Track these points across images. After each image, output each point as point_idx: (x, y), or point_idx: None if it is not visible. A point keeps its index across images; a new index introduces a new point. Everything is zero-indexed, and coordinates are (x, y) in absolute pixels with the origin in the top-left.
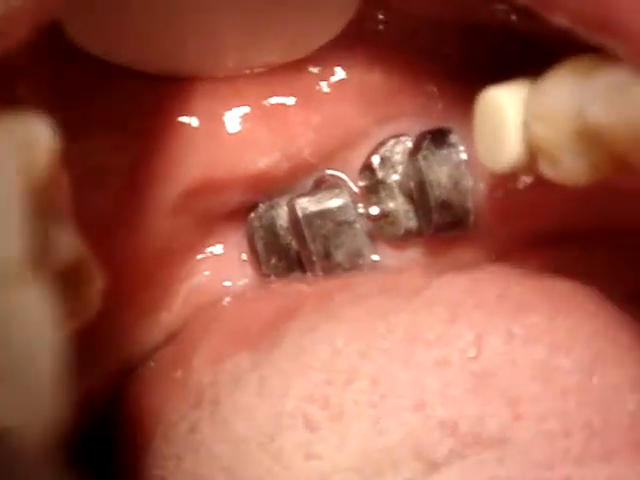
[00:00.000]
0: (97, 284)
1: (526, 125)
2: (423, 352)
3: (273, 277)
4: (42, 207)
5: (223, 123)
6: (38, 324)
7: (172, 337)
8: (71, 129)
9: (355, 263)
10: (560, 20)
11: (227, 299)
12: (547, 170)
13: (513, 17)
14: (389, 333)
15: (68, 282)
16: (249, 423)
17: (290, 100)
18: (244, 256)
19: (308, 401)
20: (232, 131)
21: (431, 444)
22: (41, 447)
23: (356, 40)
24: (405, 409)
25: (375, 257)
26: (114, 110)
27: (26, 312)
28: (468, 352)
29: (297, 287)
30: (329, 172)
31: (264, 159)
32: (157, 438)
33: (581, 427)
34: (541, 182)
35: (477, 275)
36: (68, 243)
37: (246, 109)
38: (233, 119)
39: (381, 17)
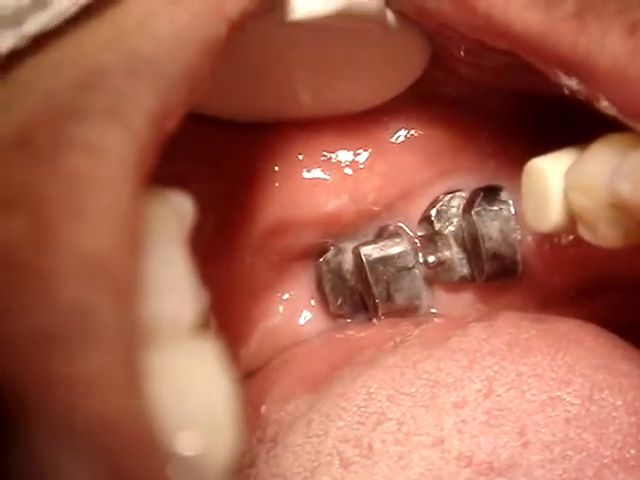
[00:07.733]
0: (213, 326)
1: (566, 194)
2: (443, 395)
3: (340, 320)
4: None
5: (299, 167)
6: (214, 370)
7: (249, 375)
8: (171, 181)
9: (413, 306)
10: (604, 107)
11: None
12: (585, 234)
13: (566, 91)
14: (416, 379)
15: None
16: (296, 461)
17: (359, 147)
18: (313, 298)
19: (343, 441)
20: (306, 175)
21: (449, 475)
22: (222, 474)
23: (424, 97)
24: (426, 445)
25: (433, 310)
26: (207, 159)
27: (203, 362)
28: (482, 392)
29: (357, 335)
30: (391, 222)
31: (333, 201)
32: None
33: (579, 451)
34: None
35: (492, 324)
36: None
37: (320, 154)
38: (308, 164)
39: (451, 81)
